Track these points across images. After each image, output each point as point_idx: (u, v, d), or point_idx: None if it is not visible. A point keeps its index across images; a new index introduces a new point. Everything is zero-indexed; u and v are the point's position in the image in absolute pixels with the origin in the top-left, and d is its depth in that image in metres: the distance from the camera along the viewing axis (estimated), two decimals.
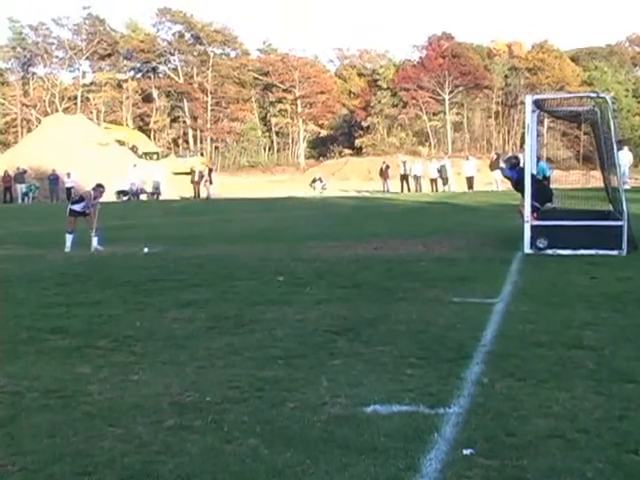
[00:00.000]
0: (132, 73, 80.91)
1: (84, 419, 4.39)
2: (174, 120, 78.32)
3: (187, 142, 78.32)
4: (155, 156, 53.72)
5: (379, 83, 76.53)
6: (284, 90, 77.37)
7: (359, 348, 5.88)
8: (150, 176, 41.69)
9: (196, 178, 38.90)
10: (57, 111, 68.52)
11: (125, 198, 38.47)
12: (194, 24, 78.29)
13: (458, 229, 15.53)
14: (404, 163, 36.91)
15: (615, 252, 10.73)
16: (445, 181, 35.07)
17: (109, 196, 26.24)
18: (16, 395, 4.89)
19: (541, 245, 11.13)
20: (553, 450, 3.74)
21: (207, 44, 78.98)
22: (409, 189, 35.64)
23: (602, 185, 14.30)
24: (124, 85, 77.69)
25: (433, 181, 35.33)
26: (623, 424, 4.08)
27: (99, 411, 4.52)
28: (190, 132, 78.80)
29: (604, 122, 11.98)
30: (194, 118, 77.69)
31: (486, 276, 9.23)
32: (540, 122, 17.54)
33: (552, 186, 14.78)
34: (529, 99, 11.73)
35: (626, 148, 28.63)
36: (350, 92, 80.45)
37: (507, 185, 16.79)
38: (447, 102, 72.61)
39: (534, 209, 11.57)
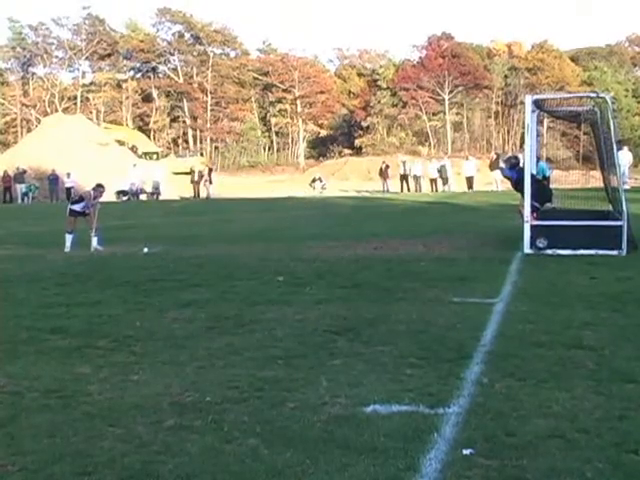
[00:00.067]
0: (132, 73, 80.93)
1: (84, 419, 4.39)
2: (174, 120, 78.31)
3: (187, 142, 78.32)
4: (155, 156, 53.75)
5: (379, 83, 76.50)
6: (284, 90, 77.35)
7: (359, 348, 5.88)
8: (150, 176, 41.67)
9: (196, 178, 38.94)
10: (57, 111, 68.47)
11: (125, 198, 38.44)
12: (194, 24, 78.28)
13: (458, 229, 15.52)
14: (404, 163, 36.88)
15: (615, 252, 10.73)
16: (445, 181, 35.07)
17: (109, 196, 26.21)
18: (16, 395, 4.89)
19: (541, 245, 11.13)
20: (553, 450, 3.75)
21: (207, 44, 78.96)
22: (409, 189, 35.61)
23: (602, 185, 14.30)
24: (124, 85, 77.68)
25: (433, 181, 35.32)
26: (623, 424, 4.08)
27: (99, 411, 4.52)
28: (190, 132, 78.80)
29: (604, 122, 11.98)
30: (194, 118, 77.69)
31: (486, 276, 9.24)
32: (540, 122, 17.52)
33: (552, 186, 14.77)
34: (529, 99, 11.72)
35: (626, 148, 28.61)
36: (350, 92, 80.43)
37: (507, 185, 16.80)
38: (447, 102, 72.59)
39: (534, 209, 11.58)
